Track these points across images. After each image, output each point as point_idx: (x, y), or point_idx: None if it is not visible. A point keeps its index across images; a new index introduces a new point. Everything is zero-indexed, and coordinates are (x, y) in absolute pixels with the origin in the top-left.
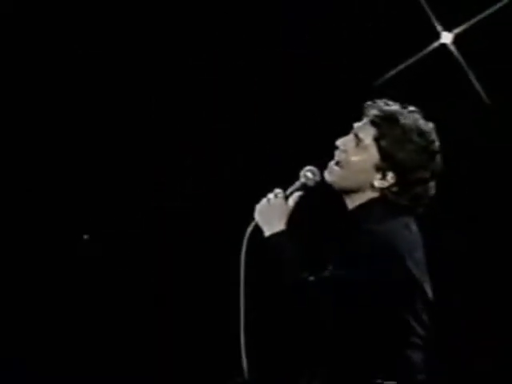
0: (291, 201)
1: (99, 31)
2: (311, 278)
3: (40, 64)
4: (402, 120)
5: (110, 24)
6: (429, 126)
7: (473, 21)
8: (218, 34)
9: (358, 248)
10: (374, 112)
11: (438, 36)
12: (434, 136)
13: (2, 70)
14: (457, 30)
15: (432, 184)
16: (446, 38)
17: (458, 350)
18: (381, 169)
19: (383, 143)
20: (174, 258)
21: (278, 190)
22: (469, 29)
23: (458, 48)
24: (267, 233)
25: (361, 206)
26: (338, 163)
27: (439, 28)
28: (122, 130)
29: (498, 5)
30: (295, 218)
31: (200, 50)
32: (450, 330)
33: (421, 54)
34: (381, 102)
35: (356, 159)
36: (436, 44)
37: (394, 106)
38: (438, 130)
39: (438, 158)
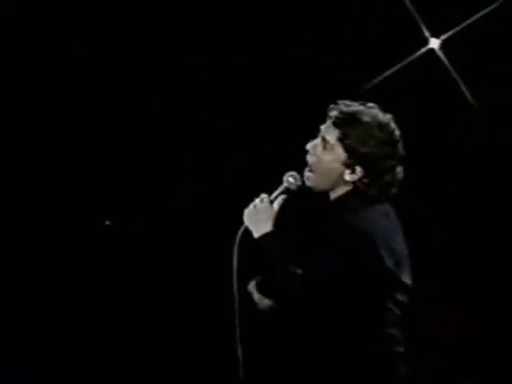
0: (276, 204)
1: (99, 31)
2: (298, 273)
3: (40, 64)
4: (362, 118)
5: (109, 24)
6: (387, 118)
7: (459, 27)
8: (217, 34)
9: (336, 239)
10: (335, 114)
11: (426, 42)
12: (393, 127)
13: (2, 70)
14: (444, 36)
15: (399, 169)
16: (434, 43)
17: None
18: (349, 165)
19: (347, 142)
20: (175, 257)
21: (263, 195)
22: (455, 35)
23: (445, 53)
24: (256, 235)
25: (338, 199)
26: (310, 168)
27: (427, 34)
28: (122, 130)
29: (483, 12)
30: (281, 218)
31: (200, 51)
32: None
33: (410, 59)
34: (342, 104)
35: (325, 160)
36: (424, 49)
37: (354, 106)
38: (426, 131)
39: (400, 145)
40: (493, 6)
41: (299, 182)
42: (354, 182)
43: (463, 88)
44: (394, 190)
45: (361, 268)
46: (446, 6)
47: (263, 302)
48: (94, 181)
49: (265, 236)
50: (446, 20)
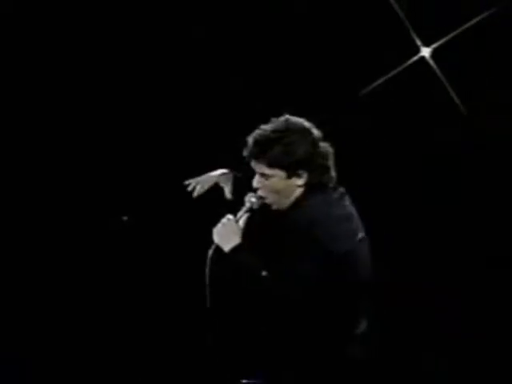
0: (241, 222)
1: (99, 31)
2: (267, 278)
3: (40, 64)
4: (271, 137)
5: (109, 24)
6: (299, 126)
7: (449, 37)
8: (210, 41)
9: (293, 232)
10: (250, 151)
11: (417, 50)
12: (306, 129)
13: (2, 69)
14: (435, 45)
15: (328, 148)
16: (425, 51)
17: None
18: (293, 175)
19: (277, 163)
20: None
21: (229, 216)
22: (445, 44)
23: (435, 61)
24: (226, 249)
25: (294, 203)
26: (269, 201)
27: (419, 43)
28: (121, 130)
29: (472, 22)
30: (247, 233)
31: (199, 51)
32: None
33: (402, 67)
34: (251, 137)
35: (274, 186)
36: (416, 57)
37: (256, 135)
38: (416, 138)
39: (313, 131)
40: (481, 16)
41: (261, 201)
42: (306, 183)
43: (452, 94)
44: (333, 173)
45: (314, 262)
46: (437, 16)
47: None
48: (93, 181)
49: (235, 249)
50: (437, 30)
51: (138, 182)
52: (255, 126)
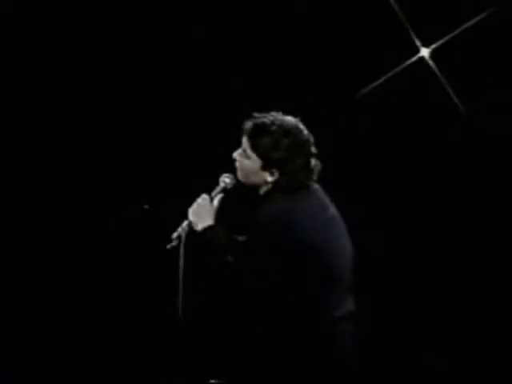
0: (215, 201)
1: (99, 31)
2: (232, 259)
3: (40, 64)
4: (270, 128)
5: (109, 24)
6: (294, 124)
7: (447, 37)
8: (206, 43)
9: (258, 227)
10: (247, 127)
11: (417, 50)
12: (299, 130)
13: (2, 69)
14: (434, 46)
15: (314, 163)
16: (424, 52)
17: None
18: (266, 169)
19: (259, 151)
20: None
21: (203, 195)
22: (444, 44)
23: (434, 61)
24: (199, 227)
25: (263, 196)
26: (238, 171)
27: (418, 43)
28: (119, 130)
29: (470, 23)
30: (220, 213)
31: (199, 51)
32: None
33: (401, 67)
34: (255, 117)
35: (246, 166)
36: (415, 58)
37: (264, 118)
38: (416, 138)
39: (309, 144)
40: (479, 17)
41: (234, 181)
42: (274, 182)
43: (452, 94)
44: (312, 181)
45: (283, 249)
46: (436, 17)
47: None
48: (92, 180)
49: (207, 228)
50: (436, 30)
51: (137, 182)
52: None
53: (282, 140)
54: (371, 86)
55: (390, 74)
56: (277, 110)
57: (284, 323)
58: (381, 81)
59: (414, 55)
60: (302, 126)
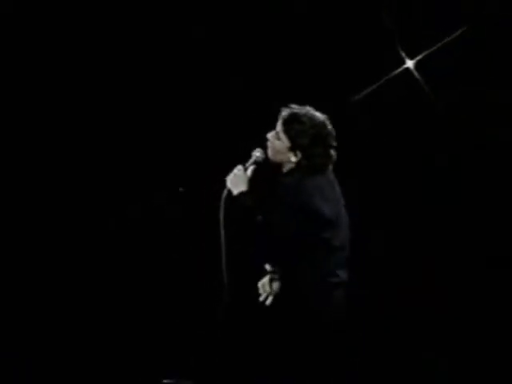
0: (248, 171)
1: (99, 31)
2: (260, 219)
3: (40, 64)
4: (301, 118)
5: (109, 24)
6: (321, 120)
7: (431, 50)
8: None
9: (281, 197)
10: (283, 114)
11: (402, 62)
12: (324, 124)
13: (2, 69)
14: (418, 57)
15: (332, 153)
16: (409, 63)
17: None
18: (292, 150)
19: (289, 135)
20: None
21: (239, 166)
22: (428, 56)
23: (419, 72)
24: (235, 193)
25: (285, 173)
26: (269, 151)
27: (403, 55)
28: (118, 131)
29: (452, 36)
30: (252, 181)
31: (199, 51)
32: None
33: (388, 77)
34: (291, 107)
35: (276, 145)
36: (401, 68)
37: (298, 109)
38: (400, 140)
39: (330, 137)
40: (460, 31)
41: (263, 156)
42: (296, 162)
43: (435, 103)
44: (328, 167)
45: (297, 213)
46: (421, 31)
47: None
48: (92, 180)
49: (241, 194)
50: (421, 43)
51: (137, 183)
52: (253, 126)
53: (309, 130)
54: (362, 94)
55: (379, 82)
56: (276, 109)
57: (293, 283)
58: (370, 89)
59: (400, 66)
60: (327, 122)
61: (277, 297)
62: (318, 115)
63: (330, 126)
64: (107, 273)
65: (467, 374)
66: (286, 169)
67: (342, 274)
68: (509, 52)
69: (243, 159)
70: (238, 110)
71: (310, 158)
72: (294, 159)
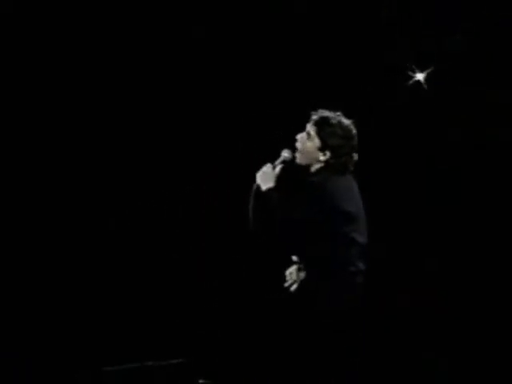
0: (276, 169)
1: (98, 32)
2: (286, 213)
3: (40, 64)
4: (331, 121)
5: (109, 25)
6: (348, 123)
7: (439, 65)
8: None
9: (308, 194)
10: (314, 117)
11: (413, 75)
12: (350, 128)
13: (2, 69)
14: (428, 71)
15: (355, 155)
16: (420, 76)
17: None
18: (322, 150)
19: (321, 135)
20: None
21: (268, 164)
22: (437, 70)
23: (427, 84)
24: (263, 188)
25: (313, 172)
26: (298, 151)
27: (415, 68)
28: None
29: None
30: (280, 179)
31: (199, 51)
32: None
33: (401, 87)
34: (320, 111)
35: (307, 146)
36: (412, 81)
37: (328, 113)
38: (400, 143)
39: (355, 140)
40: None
41: (291, 156)
42: (325, 161)
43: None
44: (351, 167)
45: (324, 209)
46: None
47: None
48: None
49: (269, 189)
50: (431, 58)
51: (137, 183)
52: (252, 126)
53: (339, 132)
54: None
55: (392, 94)
56: (277, 109)
57: (317, 271)
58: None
59: (411, 78)
60: (352, 127)
61: (302, 284)
62: (345, 120)
63: (355, 130)
64: (107, 273)
65: (467, 373)
66: (313, 168)
67: (361, 265)
68: (509, 52)
69: (243, 159)
70: (238, 110)
71: (338, 157)
72: (322, 158)
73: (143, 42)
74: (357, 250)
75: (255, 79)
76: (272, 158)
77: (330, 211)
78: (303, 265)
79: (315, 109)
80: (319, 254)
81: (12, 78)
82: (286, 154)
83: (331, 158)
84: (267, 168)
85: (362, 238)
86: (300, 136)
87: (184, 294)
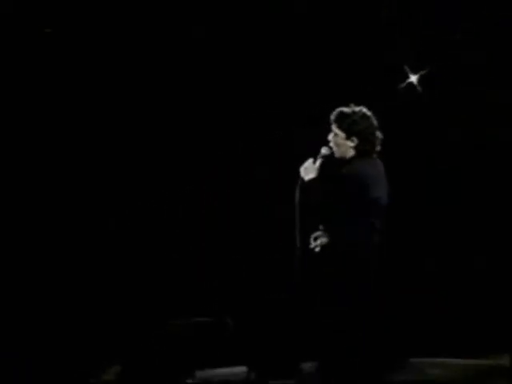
0: (317, 163)
1: (98, 32)
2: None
3: (40, 63)
4: (345, 112)
5: (108, 25)
6: (359, 108)
7: (431, 67)
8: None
9: (340, 179)
10: (332, 117)
11: (407, 77)
12: (365, 111)
13: (2, 70)
14: (421, 73)
15: (378, 134)
16: (413, 78)
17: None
18: (348, 138)
19: (343, 127)
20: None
21: (310, 159)
22: (429, 72)
23: (421, 85)
24: (306, 179)
25: (347, 160)
26: (333, 147)
27: (408, 71)
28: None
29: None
30: (320, 170)
31: (199, 51)
32: None
33: (395, 89)
34: (338, 108)
35: (337, 141)
36: (405, 83)
37: (341, 108)
38: (401, 143)
39: (372, 119)
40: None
41: (329, 152)
42: (354, 146)
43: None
44: (378, 146)
45: (355, 189)
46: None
47: None
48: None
49: (311, 180)
50: (424, 61)
51: (137, 183)
52: (252, 127)
53: (355, 118)
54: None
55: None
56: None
57: (341, 234)
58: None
59: (405, 80)
60: (366, 110)
61: (325, 247)
62: (358, 108)
63: (369, 112)
64: (107, 273)
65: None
66: (348, 157)
67: (376, 239)
68: (509, 52)
69: (243, 159)
70: (237, 110)
71: (364, 139)
72: (352, 145)
73: (143, 41)
74: (376, 223)
75: (255, 79)
76: (272, 159)
77: (358, 197)
78: (327, 231)
79: (314, 109)
80: (344, 221)
81: (12, 78)
82: (324, 150)
83: (359, 142)
84: (309, 163)
85: (381, 213)
86: (330, 136)
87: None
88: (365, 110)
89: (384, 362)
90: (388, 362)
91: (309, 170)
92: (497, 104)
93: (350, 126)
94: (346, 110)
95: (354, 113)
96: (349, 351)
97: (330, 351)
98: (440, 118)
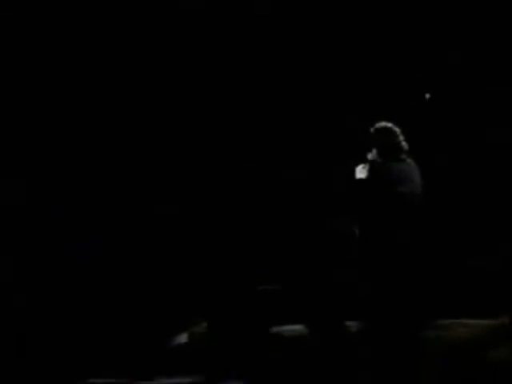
0: (365, 166)
1: (98, 33)
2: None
3: (40, 63)
4: (375, 129)
5: (108, 26)
6: (388, 126)
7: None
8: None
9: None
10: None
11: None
12: (389, 126)
13: (2, 70)
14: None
15: (404, 143)
16: (427, 96)
17: None
18: (379, 148)
19: (374, 144)
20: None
21: (362, 164)
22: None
23: (433, 102)
24: (357, 177)
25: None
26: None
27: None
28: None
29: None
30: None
31: (199, 51)
32: None
33: (413, 105)
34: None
35: (372, 155)
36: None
37: (377, 124)
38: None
39: (399, 135)
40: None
41: (372, 158)
42: (383, 154)
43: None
44: (400, 154)
45: (381, 186)
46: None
47: None
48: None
49: (360, 180)
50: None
51: (138, 184)
52: (252, 127)
53: (381, 133)
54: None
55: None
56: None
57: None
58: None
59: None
60: (391, 125)
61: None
62: (385, 124)
63: (395, 128)
64: (107, 272)
65: None
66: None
67: (407, 236)
68: (509, 52)
69: (243, 159)
70: (238, 111)
71: (390, 150)
72: (372, 155)
73: (143, 42)
74: (404, 223)
75: (257, 81)
76: (272, 159)
77: (384, 190)
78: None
79: (319, 111)
80: (376, 213)
81: (12, 78)
82: (369, 156)
83: (385, 150)
84: (360, 166)
85: (409, 213)
86: (369, 155)
87: None
88: (390, 125)
89: (417, 322)
90: (420, 323)
91: (360, 172)
92: (497, 104)
93: (377, 139)
94: (377, 126)
95: (380, 128)
96: (389, 314)
97: (374, 314)
98: (440, 119)
